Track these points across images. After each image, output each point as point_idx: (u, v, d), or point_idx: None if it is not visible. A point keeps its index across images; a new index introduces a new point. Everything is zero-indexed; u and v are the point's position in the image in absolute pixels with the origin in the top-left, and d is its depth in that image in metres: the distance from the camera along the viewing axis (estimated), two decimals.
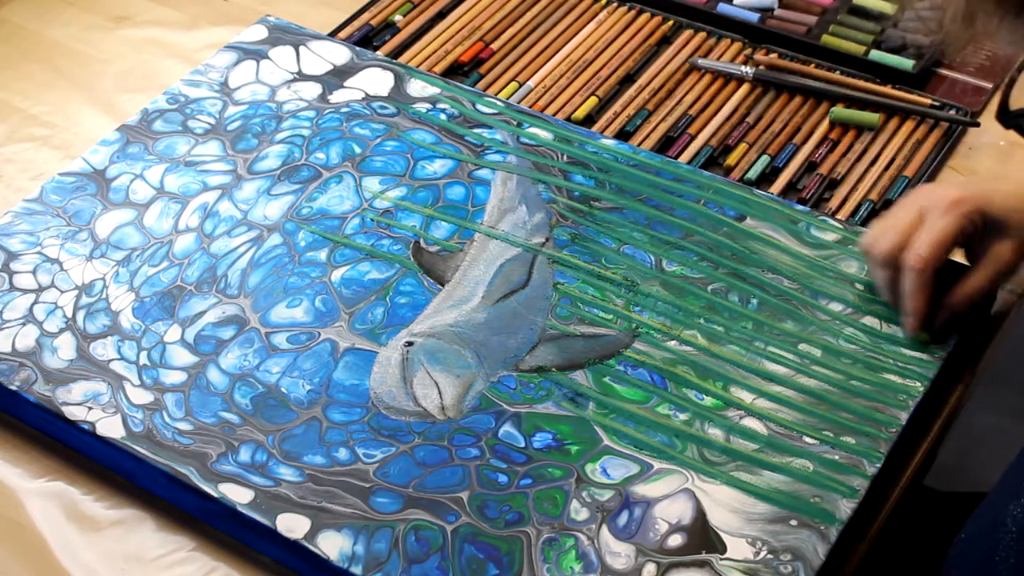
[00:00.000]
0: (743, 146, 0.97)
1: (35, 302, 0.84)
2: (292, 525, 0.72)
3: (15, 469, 0.78)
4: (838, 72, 1.02)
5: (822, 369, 0.79)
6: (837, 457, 0.74)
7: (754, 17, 1.08)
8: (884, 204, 0.93)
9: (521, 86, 1.03)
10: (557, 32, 1.08)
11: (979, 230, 0.79)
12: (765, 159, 0.96)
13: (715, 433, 0.76)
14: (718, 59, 1.04)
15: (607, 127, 0.99)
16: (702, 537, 0.71)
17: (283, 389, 0.79)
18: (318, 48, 1.02)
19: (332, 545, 0.71)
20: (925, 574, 0.88)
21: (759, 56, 1.04)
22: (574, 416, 0.77)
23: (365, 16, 1.10)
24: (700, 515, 0.72)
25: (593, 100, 1.01)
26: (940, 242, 0.78)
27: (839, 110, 0.99)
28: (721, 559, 0.70)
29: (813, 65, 1.03)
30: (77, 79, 1.06)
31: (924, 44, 1.02)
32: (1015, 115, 0.78)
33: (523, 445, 0.75)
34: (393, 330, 0.81)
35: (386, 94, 0.97)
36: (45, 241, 0.88)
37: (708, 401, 0.77)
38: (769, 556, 0.70)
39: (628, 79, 1.04)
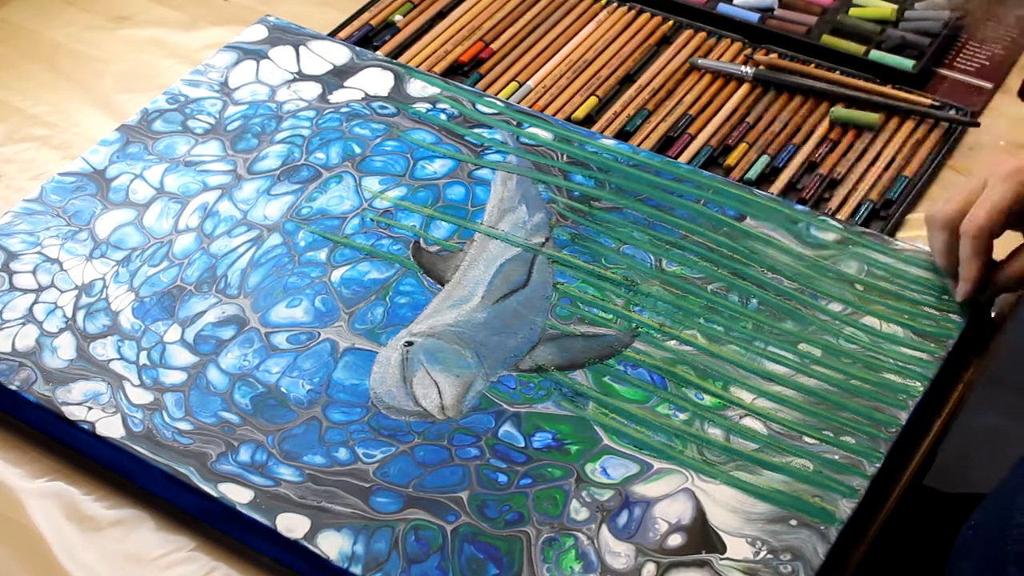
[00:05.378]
0: (743, 146, 0.97)
1: (35, 302, 0.84)
2: (292, 525, 0.72)
3: (15, 469, 0.78)
4: (838, 72, 1.02)
5: (822, 369, 0.79)
6: (837, 457, 0.74)
7: (754, 17, 1.08)
8: (884, 204, 0.93)
9: (521, 86, 1.03)
10: (557, 32, 1.08)
11: None
12: (765, 159, 0.96)
13: (715, 433, 0.76)
14: (718, 59, 1.04)
15: (607, 127, 0.99)
16: (702, 537, 0.71)
17: (283, 389, 0.79)
18: (318, 48, 1.02)
19: (332, 545, 0.71)
20: (925, 574, 0.88)
21: (759, 56, 1.04)
22: (574, 416, 0.77)
23: (365, 16, 1.10)
24: (700, 515, 0.72)
25: (593, 100, 1.01)
26: (997, 210, 0.77)
27: (839, 110, 0.99)
28: (721, 559, 0.70)
29: (813, 65, 1.03)
30: (77, 79, 1.06)
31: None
32: None
33: (523, 445, 0.75)
34: (393, 330, 0.81)
35: (386, 94, 0.97)
36: (45, 241, 0.88)
37: (708, 401, 0.77)
38: (769, 556, 0.70)
39: (628, 79, 1.04)
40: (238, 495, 0.73)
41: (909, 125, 0.99)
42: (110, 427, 0.76)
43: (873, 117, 0.98)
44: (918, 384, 0.78)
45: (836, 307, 0.82)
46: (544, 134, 0.94)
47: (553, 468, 0.74)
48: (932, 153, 0.97)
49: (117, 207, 0.90)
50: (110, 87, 1.05)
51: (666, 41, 1.08)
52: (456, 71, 1.05)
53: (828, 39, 1.06)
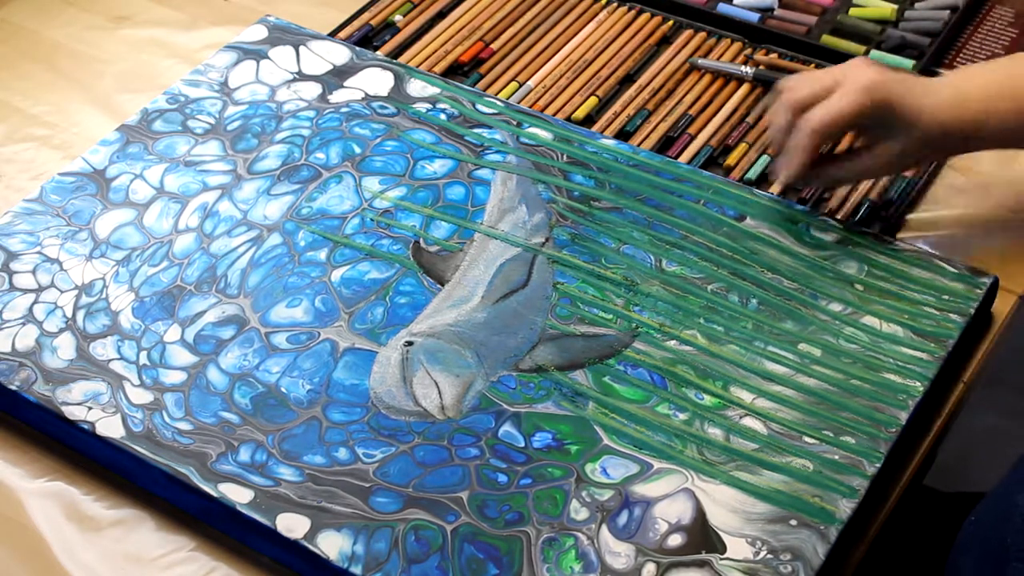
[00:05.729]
0: (743, 146, 0.97)
1: (35, 302, 0.84)
2: (292, 525, 0.72)
3: (15, 469, 0.78)
4: None
5: (822, 369, 0.79)
6: (837, 457, 0.74)
7: (754, 17, 1.08)
8: (884, 204, 0.93)
9: (521, 86, 1.03)
10: (557, 32, 1.08)
11: (879, 120, 0.81)
12: (765, 159, 0.96)
13: (715, 433, 0.76)
14: (718, 59, 1.04)
15: (607, 127, 0.99)
16: (702, 537, 0.71)
17: (283, 389, 0.79)
18: (318, 48, 1.02)
19: (332, 545, 0.71)
20: (925, 574, 0.88)
21: (759, 56, 1.04)
22: (574, 416, 0.77)
23: (365, 16, 1.10)
24: (700, 515, 0.72)
25: (593, 100, 1.01)
26: (836, 119, 0.81)
27: None
28: (721, 559, 0.70)
29: (813, 65, 1.03)
30: (77, 79, 1.06)
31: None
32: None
33: (523, 445, 0.75)
34: (393, 330, 0.81)
35: (386, 94, 0.97)
36: (45, 241, 0.88)
37: (708, 401, 0.77)
38: (769, 556, 0.70)
39: (628, 79, 1.04)
40: (238, 495, 0.73)
41: None
42: (110, 427, 0.76)
43: None
44: (918, 384, 0.78)
45: (836, 307, 0.82)
46: (544, 134, 0.94)
47: (553, 468, 0.74)
48: None
49: (117, 207, 0.90)
50: (110, 87, 1.05)
51: (666, 41, 1.08)
52: (456, 71, 1.05)
53: (828, 39, 1.06)
